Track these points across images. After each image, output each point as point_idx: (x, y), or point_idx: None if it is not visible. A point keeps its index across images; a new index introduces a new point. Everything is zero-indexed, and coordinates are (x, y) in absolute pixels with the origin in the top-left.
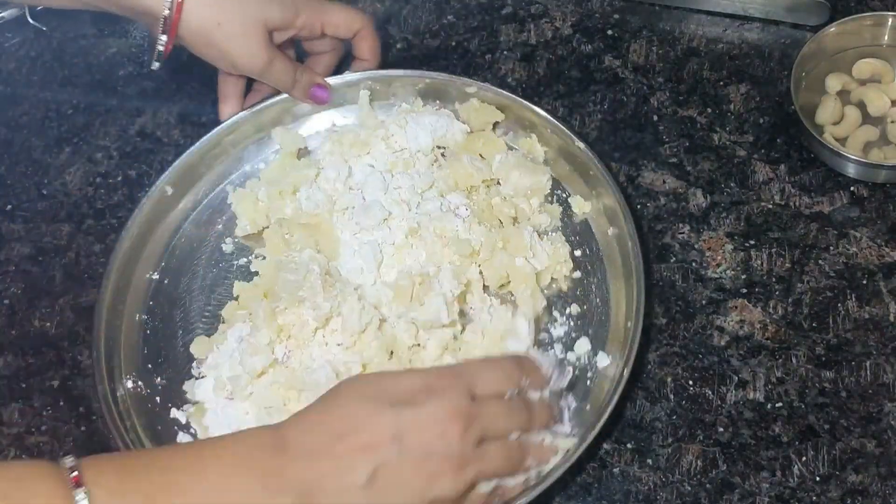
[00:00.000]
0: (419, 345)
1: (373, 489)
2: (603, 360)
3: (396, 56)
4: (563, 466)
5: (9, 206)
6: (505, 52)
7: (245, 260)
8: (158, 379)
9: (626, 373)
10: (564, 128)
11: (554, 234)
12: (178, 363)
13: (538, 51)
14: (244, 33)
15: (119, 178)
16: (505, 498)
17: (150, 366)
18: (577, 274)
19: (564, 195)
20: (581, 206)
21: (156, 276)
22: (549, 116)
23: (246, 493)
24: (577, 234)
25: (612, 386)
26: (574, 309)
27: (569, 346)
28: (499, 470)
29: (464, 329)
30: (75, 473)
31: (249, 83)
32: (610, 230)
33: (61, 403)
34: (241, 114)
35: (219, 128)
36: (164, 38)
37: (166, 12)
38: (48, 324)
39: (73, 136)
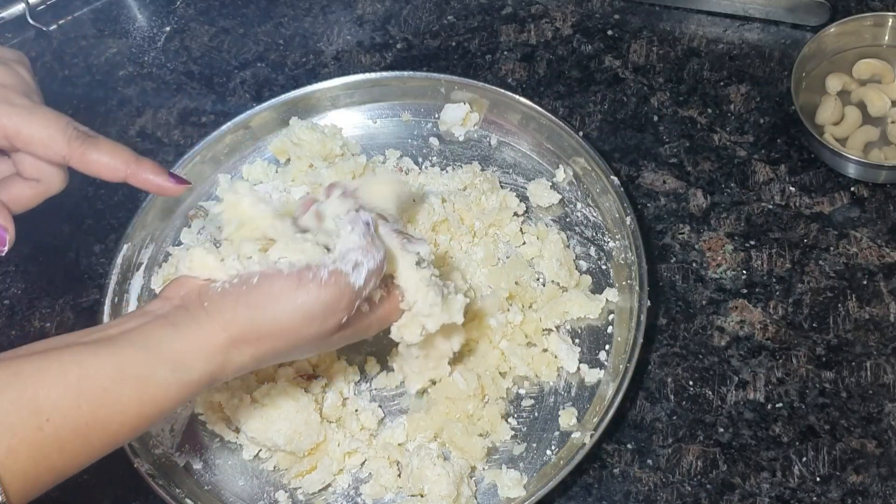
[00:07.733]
0: None
1: None
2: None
3: (396, 56)
4: (565, 468)
5: None
6: (505, 53)
7: None
8: None
9: (628, 376)
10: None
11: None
12: None
13: (538, 51)
14: None
15: None
16: None
17: None
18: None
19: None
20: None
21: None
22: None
23: None
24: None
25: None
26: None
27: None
28: None
29: None
30: None
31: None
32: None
33: None
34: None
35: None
36: None
37: None
38: (48, 324)
39: None
